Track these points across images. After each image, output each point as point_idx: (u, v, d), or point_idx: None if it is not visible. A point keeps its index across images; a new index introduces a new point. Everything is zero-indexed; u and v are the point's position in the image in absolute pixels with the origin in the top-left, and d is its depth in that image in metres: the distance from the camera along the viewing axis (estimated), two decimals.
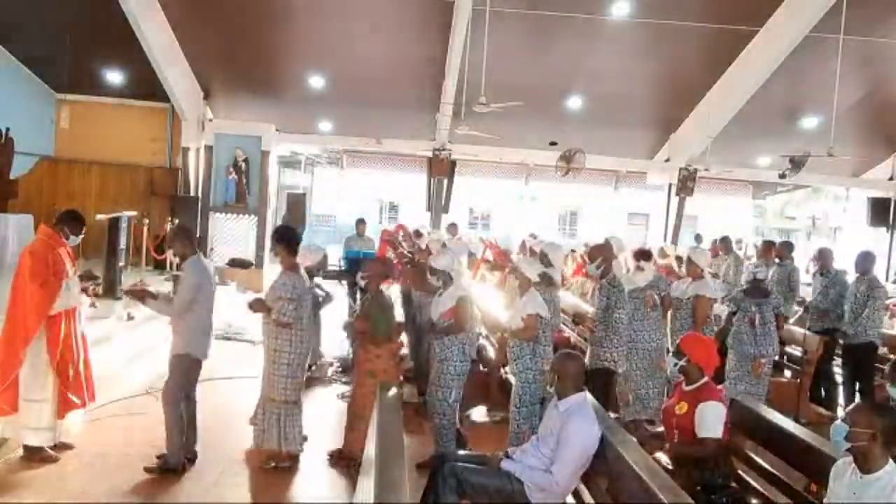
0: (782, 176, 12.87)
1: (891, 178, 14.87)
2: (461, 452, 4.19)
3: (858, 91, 12.22)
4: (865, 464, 2.72)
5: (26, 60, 12.59)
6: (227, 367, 7.18)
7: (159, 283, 9.97)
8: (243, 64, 12.47)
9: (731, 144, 13.58)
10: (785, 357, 7.22)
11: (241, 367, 7.30)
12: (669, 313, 6.27)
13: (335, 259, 9.69)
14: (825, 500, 2.99)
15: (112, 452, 4.83)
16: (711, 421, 3.62)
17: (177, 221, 11.57)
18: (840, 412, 6.46)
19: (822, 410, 6.64)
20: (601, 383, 5.36)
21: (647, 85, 12.78)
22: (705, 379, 3.83)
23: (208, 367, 5.24)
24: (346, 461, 4.86)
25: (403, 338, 7.20)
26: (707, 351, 3.91)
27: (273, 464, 4.77)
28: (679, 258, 8.91)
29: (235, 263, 12.88)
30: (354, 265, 8.11)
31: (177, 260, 4.75)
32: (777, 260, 8.04)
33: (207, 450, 4.88)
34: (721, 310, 6.74)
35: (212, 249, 12.89)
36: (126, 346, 7.45)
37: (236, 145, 13.06)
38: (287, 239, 4.85)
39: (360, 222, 10.38)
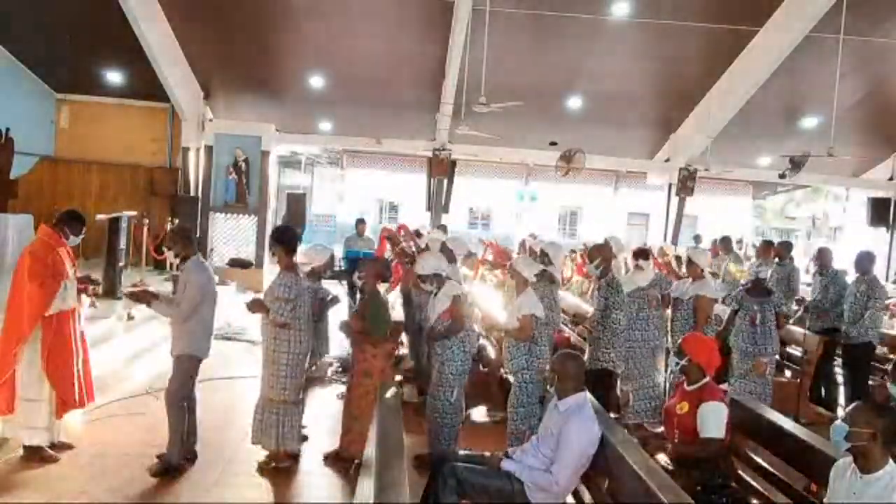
0: (782, 176, 12.87)
1: (891, 178, 14.87)
2: (461, 452, 4.19)
3: (858, 91, 12.22)
4: (865, 464, 2.72)
5: (26, 60, 12.58)
6: (227, 367, 7.20)
7: (159, 283, 9.98)
8: (243, 64, 12.47)
9: (731, 144, 13.58)
10: (785, 357, 7.21)
11: (241, 367, 7.31)
12: (669, 313, 6.27)
13: (336, 259, 9.68)
14: (825, 500, 2.98)
15: (112, 452, 4.83)
16: (713, 421, 3.63)
17: (177, 221, 11.57)
18: (840, 412, 6.45)
19: (822, 410, 6.64)
20: (600, 384, 5.36)
21: (646, 85, 12.78)
22: (707, 379, 3.83)
23: (209, 367, 5.24)
24: (342, 462, 4.85)
25: (403, 338, 7.21)
26: (708, 351, 3.92)
27: (272, 464, 4.77)
28: (679, 258, 8.91)
29: (235, 263, 12.90)
30: (354, 265, 8.10)
31: (177, 260, 4.73)
32: (776, 260, 8.04)
33: (207, 450, 4.88)
34: (722, 310, 6.74)
35: (212, 249, 12.89)
36: (126, 346, 7.45)
37: (236, 145, 13.07)
38: (285, 239, 4.83)
39: (360, 222, 10.38)
